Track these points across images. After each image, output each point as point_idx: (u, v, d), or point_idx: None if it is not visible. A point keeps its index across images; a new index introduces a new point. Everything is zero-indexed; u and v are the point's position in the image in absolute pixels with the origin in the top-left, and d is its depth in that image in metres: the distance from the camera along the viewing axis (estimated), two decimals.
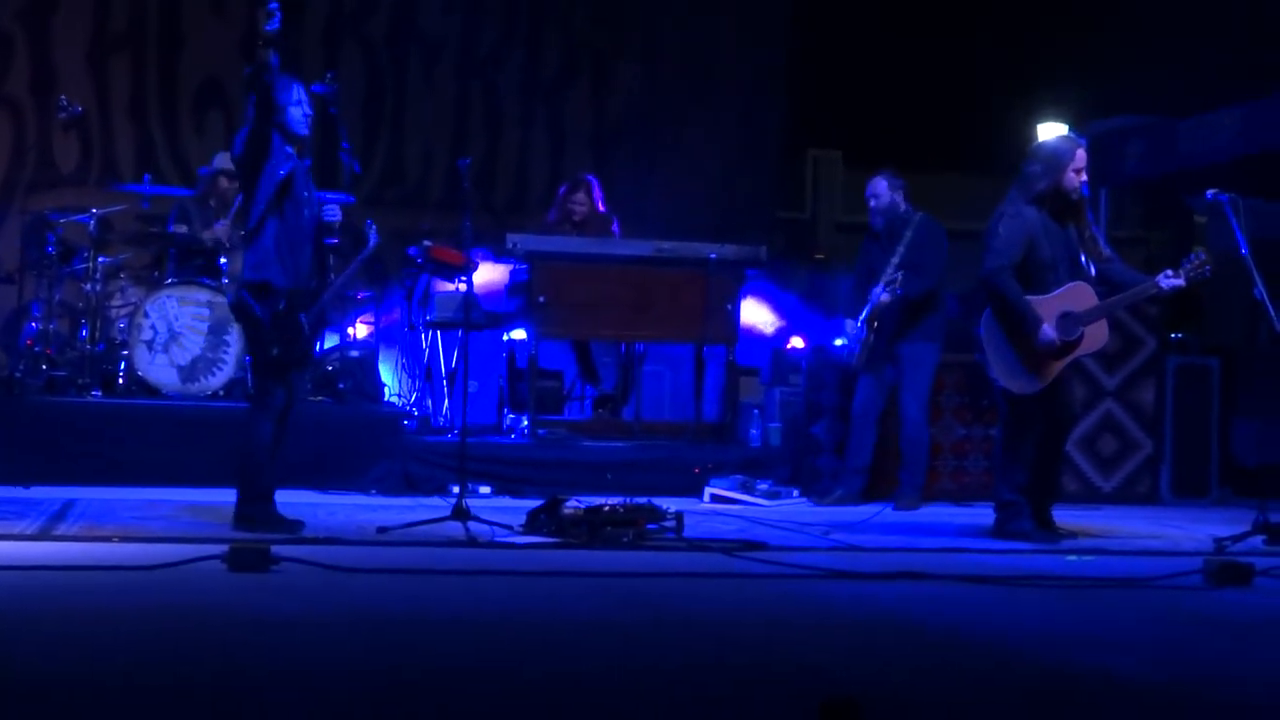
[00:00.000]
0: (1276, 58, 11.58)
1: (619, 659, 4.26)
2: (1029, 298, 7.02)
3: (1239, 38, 12.53)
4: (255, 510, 6.66)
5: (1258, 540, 7.05)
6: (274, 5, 6.26)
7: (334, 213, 6.93)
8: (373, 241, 7.52)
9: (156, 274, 9.54)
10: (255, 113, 6.53)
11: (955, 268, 9.11)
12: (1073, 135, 7.66)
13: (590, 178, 10.38)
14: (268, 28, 6.28)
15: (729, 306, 9.67)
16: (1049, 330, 6.95)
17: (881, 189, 8.93)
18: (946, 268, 8.87)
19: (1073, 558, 6.75)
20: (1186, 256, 7.12)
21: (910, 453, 8.79)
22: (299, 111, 6.66)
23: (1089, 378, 9.55)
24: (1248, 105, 10.16)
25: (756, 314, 10.57)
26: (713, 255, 9.62)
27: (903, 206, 8.91)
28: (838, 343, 9.21)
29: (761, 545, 6.58)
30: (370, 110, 12.24)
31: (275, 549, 5.63)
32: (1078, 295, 7.06)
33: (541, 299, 9.41)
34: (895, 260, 8.76)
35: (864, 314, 8.80)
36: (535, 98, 12.73)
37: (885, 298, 8.65)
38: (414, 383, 10.19)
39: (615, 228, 10.30)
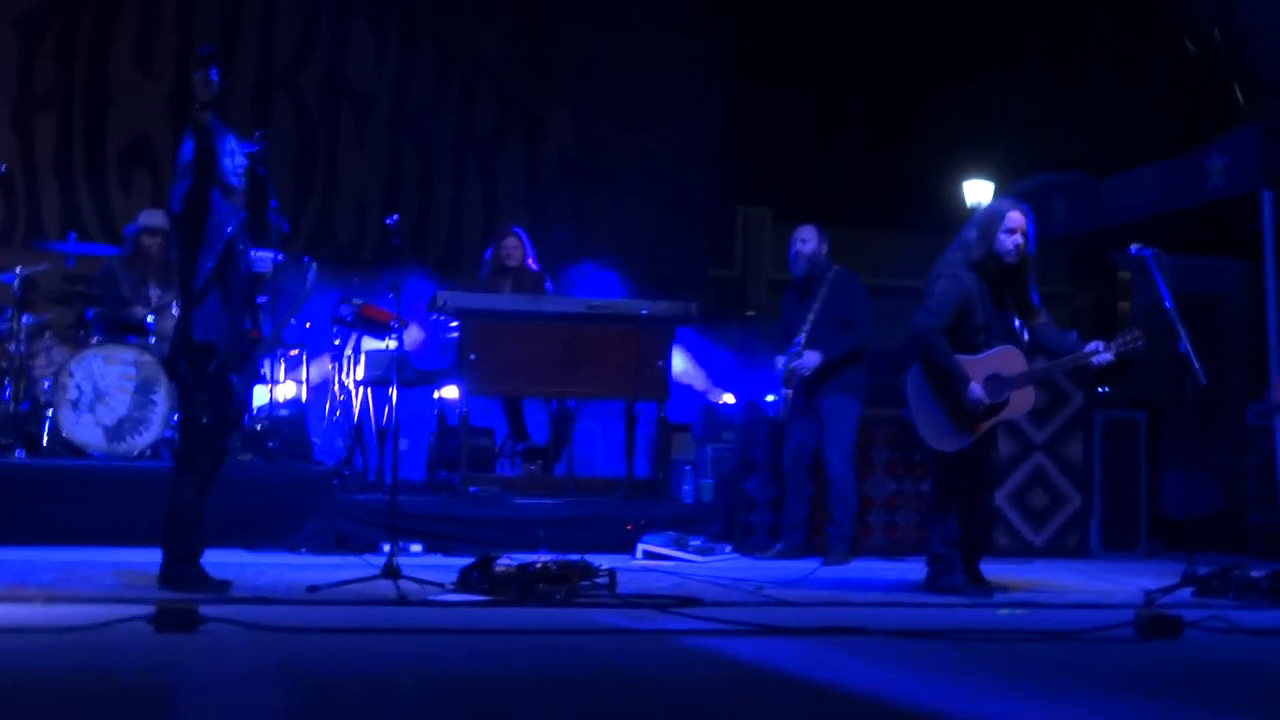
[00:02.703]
0: (1196, 117, 11.80)
1: (552, 715, 4.22)
2: (959, 359, 7.06)
3: (1159, 97, 12.75)
4: (182, 570, 6.57)
5: (1186, 593, 7.11)
6: (214, 73, 6.26)
7: (265, 263, 6.90)
8: (311, 278, 7.47)
9: (82, 333, 9.43)
10: (194, 172, 6.50)
11: (881, 323, 9.19)
12: (1010, 199, 7.72)
13: (519, 230, 10.39)
14: (207, 94, 6.29)
15: (660, 363, 9.68)
16: (977, 389, 6.99)
17: (810, 235, 9.01)
18: (872, 324, 8.95)
19: (1005, 611, 6.77)
20: (1120, 332, 7.18)
21: (837, 508, 8.82)
22: (231, 163, 6.63)
23: (1018, 432, 9.63)
24: (1168, 162, 10.33)
25: (689, 371, 10.60)
26: (644, 311, 9.64)
27: (824, 259, 8.99)
28: (769, 399, 9.25)
29: (695, 600, 6.56)
30: (302, 167, 12.22)
31: (203, 609, 5.54)
32: (1007, 359, 7.11)
33: (472, 356, 9.38)
34: (812, 316, 8.83)
35: (780, 371, 8.88)
36: (468, 154, 12.76)
37: (809, 360, 8.72)
38: (344, 441, 10.11)
39: (549, 285, 10.31)
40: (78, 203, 11.74)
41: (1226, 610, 6.51)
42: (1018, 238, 7.09)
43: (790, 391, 8.86)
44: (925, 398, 7.13)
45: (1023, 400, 7.16)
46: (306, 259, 7.55)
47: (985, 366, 7.06)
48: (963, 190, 14.73)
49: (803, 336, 8.80)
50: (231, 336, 6.64)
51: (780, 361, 8.95)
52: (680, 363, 10.29)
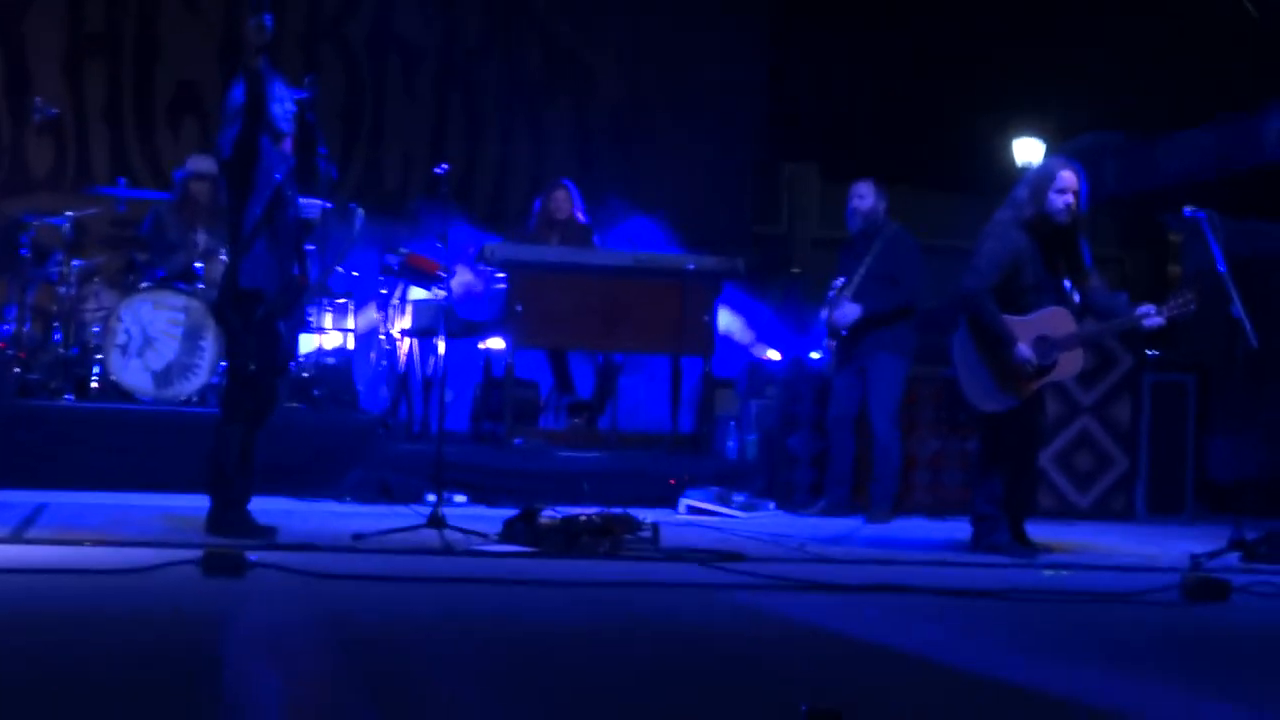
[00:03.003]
0: (1253, 78, 11.65)
1: (594, 665, 4.23)
2: (1007, 318, 7.01)
3: (1215, 57, 12.59)
4: (229, 516, 6.61)
5: (1234, 557, 7.05)
6: (267, 19, 6.26)
7: (313, 210, 6.91)
8: (358, 225, 7.47)
9: (131, 278, 9.47)
10: (245, 117, 6.50)
11: (930, 283, 9.13)
12: (1061, 158, 7.63)
13: (569, 182, 10.37)
14: (260, 40, 6.28)
15: (706, 318, 9.65)
16: (1025, 349, 6.94)
17: (867, 191, 8.95)
18: (922, 284, 8.89)
19: (1049, 572, 6.75)
20: (1172, 295, 7.11)
21: (881, 466, 8.79)
22: (280, 108, 6.63)
23: (1065, 394, 9.57)
24: (1224, 125, 10.23)
25: (736, 328, 10.57)
26: (690, 266, 9.61)
27: (881, 214, 8.93)
28: (814, 355, 9.22)
29: (738, 556, 6.56)
30: (349, 116, 12.20)
31: (250, 555, 5.58)
32: (1056, 320, 7.04)
33: (519, 308, 9.38)
34: (863, 270, 8.79)
35: (824, 324, 8.84)
36: (516, 107, 12.72)
37: (852, 311, 8.68)
38: (389, 390, 10.13)
39: (597, 239, 10.29)
40: (126, 148, 11.78)
41: (1274, 575, 6.47)
42: (1069, 197, 7.00)
43: (835, 344, 8.82)
44: (972, 358, 7.09)
45: (1071, 363, 7.10)
46: (353, 206, 7.55)
47: (1033, 327, 7.00)
48: (1013, 150, 14.60)
49: (842, 283, 8.77)
50: (279, 283, 6.66)
51: (824, 314, 8.92)
52: (726, 319, 10.26)
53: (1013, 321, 7.01)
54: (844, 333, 8.78)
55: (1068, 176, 7.04)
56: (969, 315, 7.10)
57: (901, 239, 8.89)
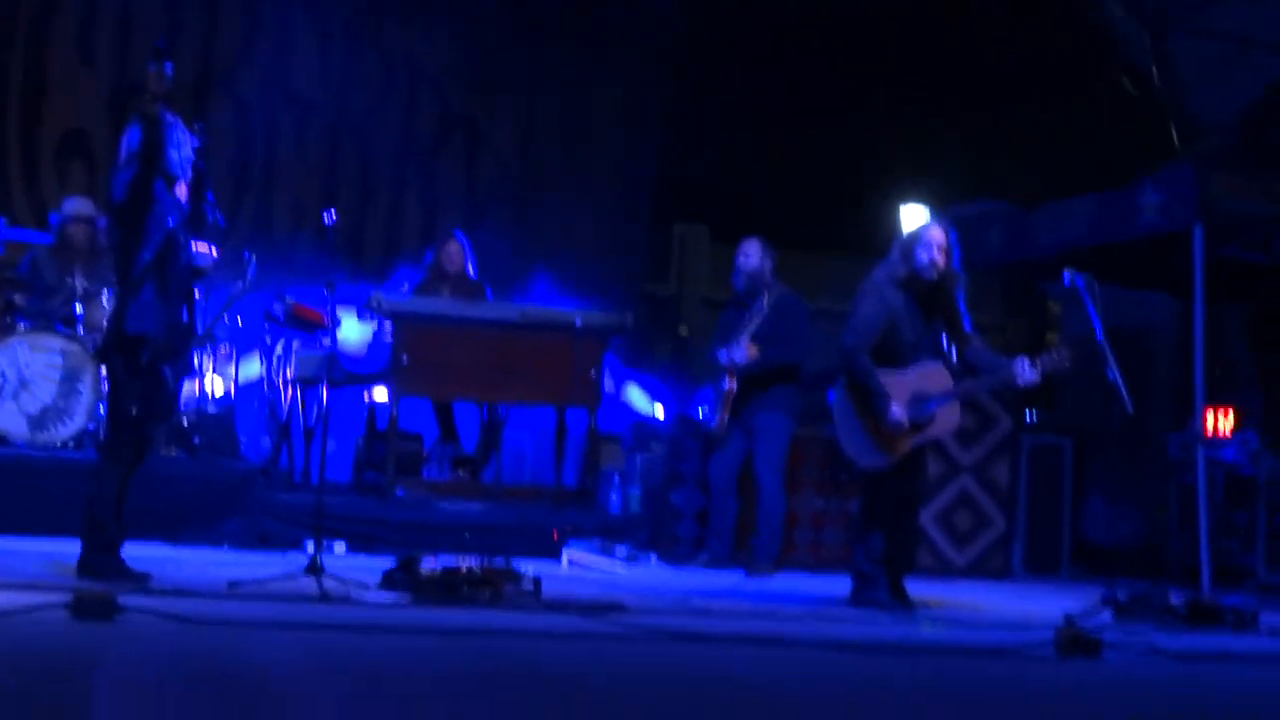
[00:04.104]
0: (1131, 152, 11.94)
1: (466, 713, 4.20)
2: (884, 373, 7.10)
3: (1096, 132, 12.90)
4: (101, 560, 6.50)
5: (1106, 615, 7.17)
6: (169, 66, 6.25)
7: (205, 258, 6.86)
8: (250, 274, 7.41)
9: (8, 320, 9.29)
10: (140, 162, 6.46)
11: (817, 344, 9.23)
12: (934, 219, 7.77)
13: (461, 236, 10.38)
14: (160, 86, 6.27)
15: (593, 372, 9.67)
16: (897, 410, 7.04)
17: (752, 250, 9.06)
18: (809, 344, 8.99)
19: (927, 628, 6.81)
20: (1046, 350, 7.25)
21: (764, 521, 8.85)
22: (177, 154, 6.59)
23: (945, 454, 9.70)
24: (1101, 195, 10.42)
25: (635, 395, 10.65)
26: (578, 322, 9.63)
27: (768, 276, 9.03)
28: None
29: (620, 607, 6.55)
30: (239, 165, 12.09)
31: (122, 599, 5.47)
32: (933, 377, 7.15)
33: (405, 358, 9.34)
34: (751, 329, 8.87)
35: (725, 364, 8.89)
36: (407, 162, 12.69)
37: (739, 358, 8.75)
38: (271, 439, 10.03)
39: (489, 294, 10.30)
40: (10, 190, 11.58)
41: (1145, 634, 6.58)
42: (934, 253, 7.13)
43: (731, 386, 8.86)
44: (850, 415, 7.17)
45: (948, 419, 7.20)
46: (246, 254, 7.49)
47: (910, 383, 7.10)
48: (899, 215, 14.82)
49: (739, 343, 8.85)
50: (167, 329, 6.59)
51: (722, 352, 8.95)
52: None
53: (890, 377, 7.10)
54: (736, 378, 8.81)
55: (934, 234, 7.20)
56: (847, 373, 7.18)
57: (788, 299, 8.99)
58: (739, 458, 8.95)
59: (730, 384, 8.86)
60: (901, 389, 7.08)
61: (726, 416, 8.89)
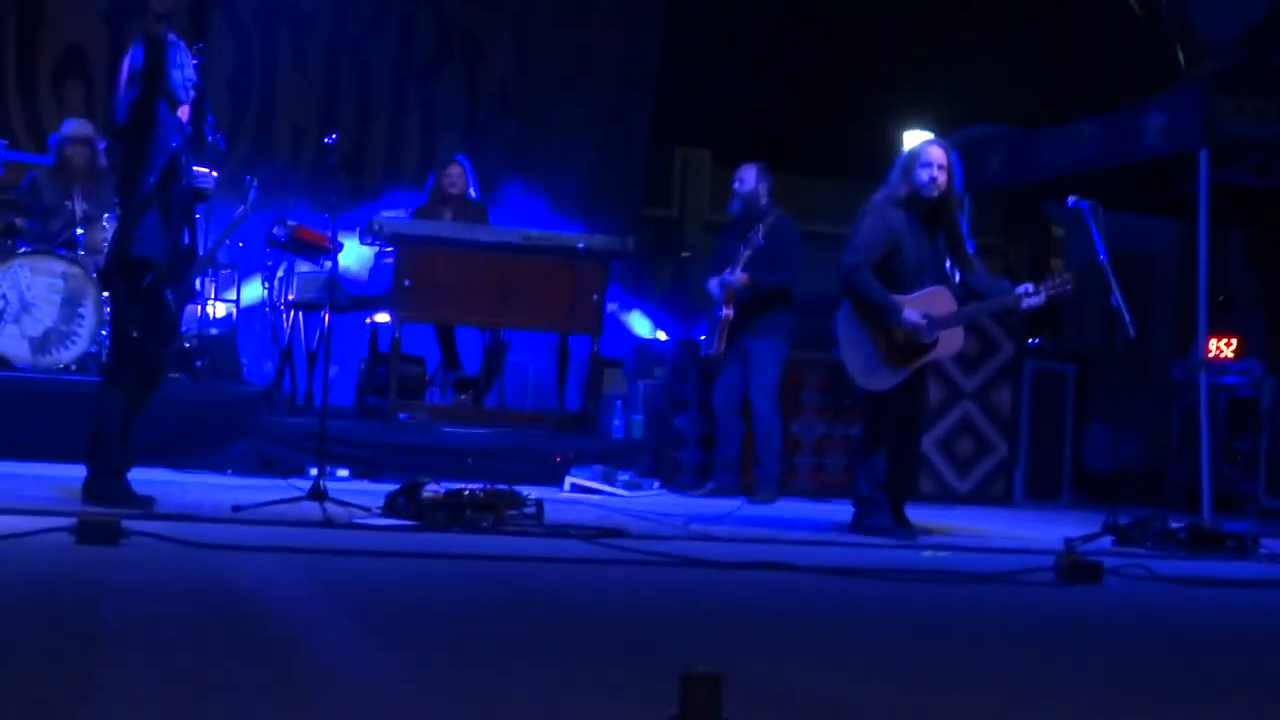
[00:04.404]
0: (1137, 73, 11.85)
1: (473, 635, 4.22)
2: None
3: (1101, 52, 12.80)
4: (106, 484, 6.51)
5: (1107, 541, 7.21)
6: None
7: (207, 180, 6.83)
8: (252, 197, 7.37)
9: (8, 243, 9.26)
10: (143, 83, 6.40)
11: (815, 269, 9.21)
12: (932, 139, 7.74)
13: (463, 158, 10.33)
14: (163, 6, 6.22)
15: (595, 297, 9.65)
16: (912, 314, 7.00)
17: (748, 175, 9.05)
18: (802, 268, 8.98)
19: (928, 553, 6.84)
20: (1050, 275, 7.24)
21: (763, 448, 8.87)
22: (179, 76, 6.54)
23: (948, 379, 9.70)
24: (1105, 117, 10.36)
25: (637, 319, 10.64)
26: (580, 245, 9.60)
27: (764, 200, 9.01)
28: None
29: (622, 532, 6.58)
30: (238, 86, 12.01)
31: (126, 523, 5.50)
32: (937, 299, 7.13)
33: (406, 282, 9.32)
34: (747, 252, 8.85)
35: (718, 296, 8.88)
36: (407, 81, 12.60)
37: (740, 277, 8.74)
38: (274, 363, 10.02)
39: (491, 218, 10.26)
40: (8, 111, 11.50)
41: (1145, 559, 6.62)
42: (934, 171, 7.10)
43: (728, 313, 8.85)
44: (855, 335, 7.15)
45: (951, 341, 7.19)
46: (248, 178, 7.45)
47: (915, 305, 7.07)
48: (903, 139, 14.74)
49: (737, 267, 8.84)
50: (169, 252, 6.56)
51: (714, 282, 8.95)
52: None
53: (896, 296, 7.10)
54: (731, 305, 8.81)
55: (933, 152, 7.17)
56: (850, 291, 7.15)
57: (782, 223, 8.97)
58: (740, 384, 8.95)
59: (726, 311, 8.85)
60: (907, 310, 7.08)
61: (724, 343, 8.88)
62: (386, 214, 9.83)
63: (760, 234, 8.79)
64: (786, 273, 8.85)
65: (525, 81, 12.86)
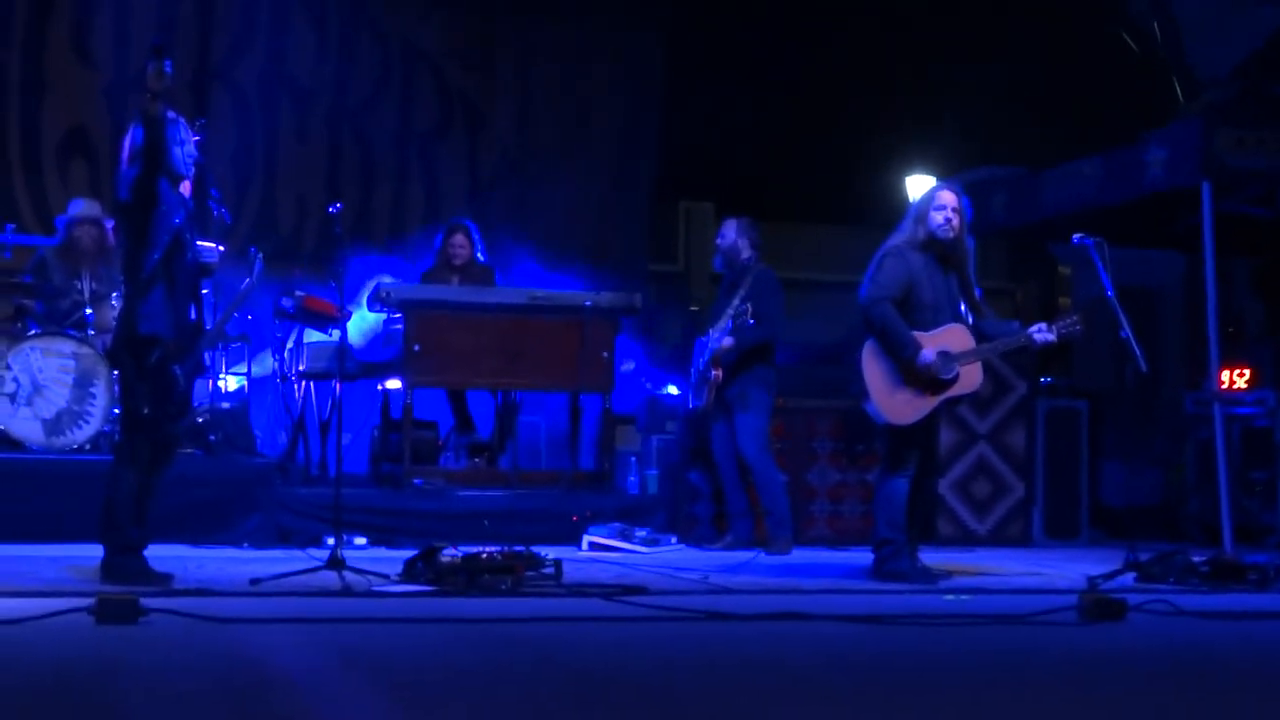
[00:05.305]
0: (1134, 110, 11.89)
1: (501, 701, 4.20)
2: None
3: (1100, 91, 12.85)
4: (123, 563, 6.50)
5: (1128, 578, 7.18)
6: (167, 65, 6.25)
7: (212, 254, 6.86)
8: (257, 270, 7.38)
9: (19, 326, 9.28)
10: (143, 162, 6.45)
11: (820, 316, 9.22)
12: (942, 183, 7.84)
13: (469, 223, 10.36)
14: (160, 85, 6.27)
15: (605, 354, 9.65)
16: (928, 353, 7.06)
17: (728, 230, 9.17)
18: (784, 319, 9.01)
19: (950, 597, 6.80)
20: (1060, 315, 7.32)
21: (765, 496, 8.87)
22: (180, 152, 6.58)
23: (961, 422, 9.69)
24: (1106, 155, 10.39)
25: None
26: (588, 303, 9.61)
27: (745, 254, 9.07)
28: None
29: (641, 589, 6.55)
30: (241, 159, 12.06)
31: (144, 601, 5.48)
32: (955, 337, 7.20)
33: (416, 348, 9.33)
34: (732, 308, 8.89)
35: (705, 359, 8.93)
36: (409, 148, 12.67)
37: (725, 342, 8.78)
38: (287, 434, 10.02)
39: (498, 279, 10.29)
40: (14, 194, 11.56)
41: (1168, 594, 6.58)
42: (948, 213, 7.24)
43: (717, 374, 8.88)
44: (879, 369, 7.17)
45: (971, 377, 7.23)
46: (253, 250, 7.46)
47: (934, 343, 7.12)
48: (905, 185, 14.79)
49: (720, 329, 8.89)
50: (176, 328, 6.59)
51: (696, 351, 9.03)
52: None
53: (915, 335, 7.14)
54: (721, 364, 8.85)
55: (946, 195, 7.33)
56: (871, 327, 7.19)
57: (764, 277, 9.02)
58: (730, 436, 8.98)
59: (715, 373, 8.89)
60: (927, 347, 7.12)
61: (711, 398, 8.93)
62: (389, 280, 9.84)
63: (742, 294, 8.86)
64: (767, 327, 8.87)
65: (526, 144, 12.92)
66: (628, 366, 10.62)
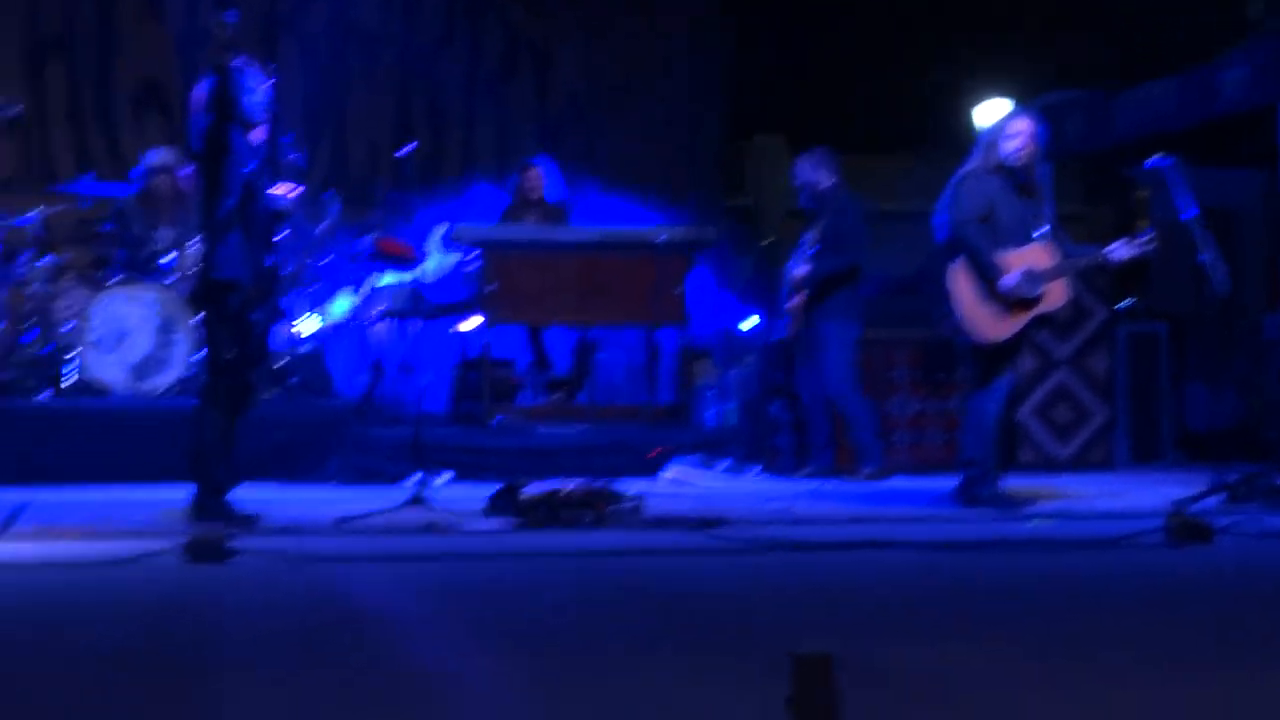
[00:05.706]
0: (1210, 28, 11.69)
1: (587, 630, 4.23)
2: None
3: (1175, 9, 12.63)
4: (211, 503, 6.61)
5: (1215, 500, 7.10)
6: (231, 15, 6.31)
7: (286, 200, 6.92)
8: (333, 212, 7.44)
9: (101, 274, 9.41)
10: (214, 112, 6.51)
11: (896, 247, 9.16)
12: (1018, 109, 7.77)
13: (540, 160, 10.38)
14: (225, 35, 6.33)
15: (678, 289, 9.64)
16: (1011, 277, 7.04)
17: (804, 165, 9.14)
18: (866, 243, 8.95)
19: (1035, 522, 6.77)
20: (1137, 233, 7.25)
21: (854, 426, 8.86)
22: (252, 99, 6.63)
23: (1041, 348, 9.62)
24: (1182, 76, 10.24)
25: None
26: (662, 238, 9.60)
27: (823, 186, 8.99)
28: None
29: (722, 521, 6.56)
30: (311, 107, 12.11)
31: (233, 541, 5.56)
32: (1038, 255, 7.15)
33: (492, 287, 9.36)
34: (811, 239, 8.87)
35: (786, 289, 8.92)
36: (477, 92, 12.67)
37: (800, 272, 8.77)
38: (365, 375, 10.10)
39: (572, 217, 10.31)
40: (90, 145, 11.68)
41: (1257, 516, 6.52)
42: (1021, 139, 7.16)
43: (797, 303, 8.87)
44: (968, 289, 7.14)
45: (1058, 293, 7.19)
46: (328, 194, 7.51)
47: (1019, 261, 7.09)
48: (979, 111, 14.61)
49: (799, 259, 8.89)
50: (253, 274, 6.66)
51: (787, 274, 9.02)
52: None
53: (998, 256, 7.10)
54: (800, 293, 8.85)
55: (1018, 124, 7.24)
56: (959, 247, 7.15)
57: (842, 205, 8.97)
58: (816, 367, 8.96)
59: (795, 300, 8.87)
60: (1012, 266, 7.09)
61: (796, 328, 8.92)
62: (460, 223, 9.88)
63: (822, 224, 8.82)
64: (846, 254, 8.83)
65: (594, 84, 12.88)
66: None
